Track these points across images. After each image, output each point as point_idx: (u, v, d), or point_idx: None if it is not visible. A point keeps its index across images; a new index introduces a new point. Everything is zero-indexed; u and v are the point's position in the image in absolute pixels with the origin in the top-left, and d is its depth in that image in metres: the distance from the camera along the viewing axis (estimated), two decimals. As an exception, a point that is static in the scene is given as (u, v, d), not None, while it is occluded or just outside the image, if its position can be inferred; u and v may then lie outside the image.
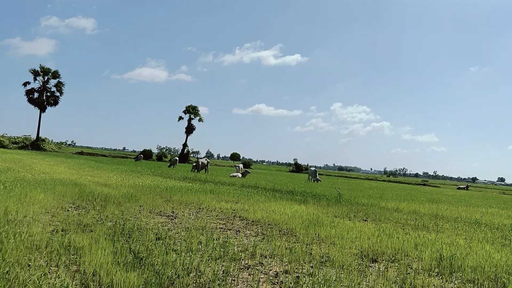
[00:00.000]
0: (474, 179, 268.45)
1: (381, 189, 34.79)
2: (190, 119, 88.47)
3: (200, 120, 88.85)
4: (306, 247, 7.20)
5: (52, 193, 10.93)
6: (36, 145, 73.38)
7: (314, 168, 34.82)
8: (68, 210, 8.97)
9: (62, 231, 6.85)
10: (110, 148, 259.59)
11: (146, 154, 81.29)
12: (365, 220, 11.54)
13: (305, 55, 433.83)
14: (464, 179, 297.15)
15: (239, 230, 8.44)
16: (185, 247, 6.43)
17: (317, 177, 33.98)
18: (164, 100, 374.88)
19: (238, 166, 37.74)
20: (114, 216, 8.53)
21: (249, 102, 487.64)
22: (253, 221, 9.62)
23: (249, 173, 34.70)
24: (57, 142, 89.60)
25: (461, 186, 65.01)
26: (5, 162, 24.96)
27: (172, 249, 6.25)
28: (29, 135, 78.45)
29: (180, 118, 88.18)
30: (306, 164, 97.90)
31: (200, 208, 11.07)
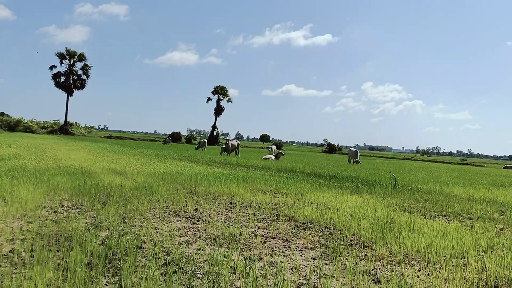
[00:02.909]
0: (511, 157, 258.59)
1: (427, 170, 31.72)
2: (218, 100, 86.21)
3: (229, 101, 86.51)
4: (396, 272, 4.65)
5: (44, 187, 8.67)
6: (64, 129, 72.68)
7: (355, 149, 31.96)
8: (54, 212, 6.66)
9: (22, 252, 4.51)
10: (142, 132, 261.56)
11: (175, 137, 79.71)
12: (444, 216, 8.89)
13: (336, 35, 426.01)
14: (500, 157, 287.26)
15: (288, 240, 5.95)
16: (210, 280, 3.99)
17: (358, 158, 31.15)
18: (195, 83, 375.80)
19: (271, 148, 35.19)
20: (113, 221, 6.15)
21: (278, 84, 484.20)
22: (304, 223, 7.11)
23: (283, 154, 32.17)
24: (87, 126, 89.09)
25: (508, 165, 60.71)
26: (18, 148, 23.15)
27: (188, 286, 3.82)
28: (58, 120, 77.96)
29: (209, 99, 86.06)
30: (337, 144, 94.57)
31: (231, 203, 8.63)
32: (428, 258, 5.26)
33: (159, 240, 5.31)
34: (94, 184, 9.42)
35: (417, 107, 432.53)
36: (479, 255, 5.62)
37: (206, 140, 48.71)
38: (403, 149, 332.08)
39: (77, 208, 7.10)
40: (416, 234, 6.42)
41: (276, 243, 5.75)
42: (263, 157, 30.24)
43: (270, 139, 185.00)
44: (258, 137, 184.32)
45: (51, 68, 72.68)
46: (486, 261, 5.20)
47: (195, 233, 5.89)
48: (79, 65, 74.30)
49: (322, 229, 6.71)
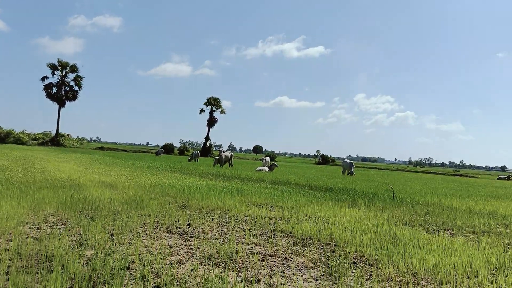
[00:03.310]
0: (503, 168, 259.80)
1: (422, 181, 31.44)
2: (211, 111, 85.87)
3: (222, 112, 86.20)
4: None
5: (29, 201, 8.24)
6: (55, 141, 71.85)
7: (349, 161, 31.62)
8: (38, 228, 6.24)
9: (-2, 276, 4.10)
10: (134, 144, 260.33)
11: (168, 148, 79.10)
12: (447, 230, 8.55)
13: (329, 47, 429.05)
14: (492, 168, 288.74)
15: (287, 258, 5.57)
16: (204, 307, 3.60)
17: (352, 170, 30.82)
18: (188, 95, 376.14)
19: (265, 159, 34.81)
20: (100, 239, 5.74)
21: (271, 95, 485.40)
22: (302, 239, 6.74)
23: (277, 166, 31.79)
24: (79, 138, 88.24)
25: (502, 176, 60.66)
26: (6, 160, 22.61)
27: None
28: (49, 131, 77.13)
29: (202, 110, 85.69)
30: (330, 156, 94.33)
31: (226, 218, 8.24)
32: (440, 279, 4.89)
33: (148, 260, 4.92)
34: (82, 198, 8.99)
35: (409, 118, 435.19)
36: (491, 274, 5.27)
37: (199, 152, 48.26)
38: (395, 160, 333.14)
39: (62, 224, 6.68)
40: (422, 251, 6.07)
41: (275, 261, 5.37)
42: (257, 168, 29.86)
43: (263, 150, 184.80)
44: (251, 148, 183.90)
45: (43, 79, 72.02)
46: (501, 281, 4.85)
47: (187, 251, 5.50)
48: (71, 76, 73.73)
49: (322, 246, 6.34)
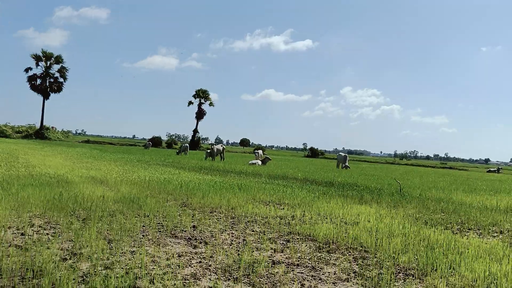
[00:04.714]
0: (486, 160, 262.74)
1: (417, 174, 30.96)
2: (200, 104, 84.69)
3: (211, 104, 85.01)
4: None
5: (12, 201, 7.34)
6: (40, 134, 70.16)
7: (344, 154, 30.94)
8: (22, 234, 5.37)
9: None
10: (120, 137, 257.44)
11: (155, 142, 77.84)
12: (470, 230, 7.88)
13: (316, 40, 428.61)
14: (476, 160, 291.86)
15: (314, 268, 4.80)
16: None
17: (347, 163, 30.17)
18: (175, 87, 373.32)
19: (258, 153, 33.97)
20: (96, 247, 4.90)
21: (258, 88, 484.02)
22: (325, 243, 5.97)
23: (270, 159, 30.99)
24: (64, 131, 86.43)
25: (492, 169, 60.75)
26: (-11, 153, 21.49)
27: None
28: (34, 124, 75.38)
29: (190, 103, 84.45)
30: (316, 149, 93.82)
31: (234, 218, 7.44)
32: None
33: (157, 274, 4.11)
34: (72, 197, 8.11)
35: (395, 111, 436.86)
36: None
37: (188, 145, 47.29)
38: (381, 153, 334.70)
39: (50, 228, 5.82)
40: (466, 257, 5.34)
41: (303, 272, 4.60)
42: (250, 162, 29.07)
43: (250, 143, 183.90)
44: (238, 141, 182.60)
45: (27, 70, 70.08)
46: None
47: (200, 262, 4.70)
48: (56, 67, 71.86)
49: (350, 252, 5.58)
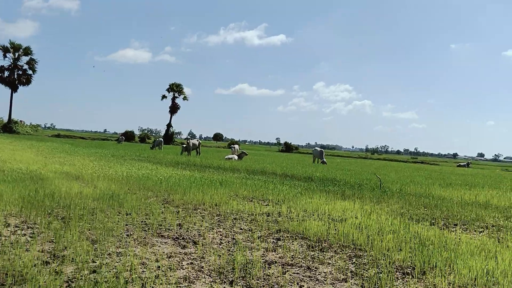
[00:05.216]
0: (454, 155, 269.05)
1: (392, 169, 31.26)
2: (174, 98, 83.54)
3: (185, 98, 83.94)
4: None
5: (-15, 198, 6.93)
6: (8, 128, 67.93)
7: (320, 149, 30.97)
8: (-2, 235, 5.03)
9: None
10: (91, 131, 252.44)
11: (128, 136, 76.50)
12: (457, 226, 7.88)
13: (290, 36, 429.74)
14: (445, 155, 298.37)
15: (309, 267, 4.64)
16: None
17: (324, 158, 30.22)
18: (147, 81, 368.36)
19: (234, 147, 33.73)
20: (80, 248, 4.61)
21: (232, 83, 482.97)
22: (316, 241, 5.82)
23: (246, 154, 30.78)
24: (33, 125, 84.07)
25: (461, 164, 62.13)
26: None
27: None
28: (1, 118, 72.98)
29: (164, 96, 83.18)
30: (290, 143, 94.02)
31: (219, 215, 7.23)
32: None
33: (148, 278, 3.86)
34: (48, 194, 7.72)
35: (366, 106, 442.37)
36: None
37: (162, 139, 46.57)
38: (353, 147, 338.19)
39: (28, 227, 5.48)
40: (461, 255, 5.27)
41: (298, 273, 4.43)
42: (226, 157, 28.79)
43: (223, 138, 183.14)
44: (211, 136, 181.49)
45: (-7, 62, 67.72)
46: None
47: (191, 263, 4.47)
48: (24, 59, 69.62)
49: (342, 250, 5.45)
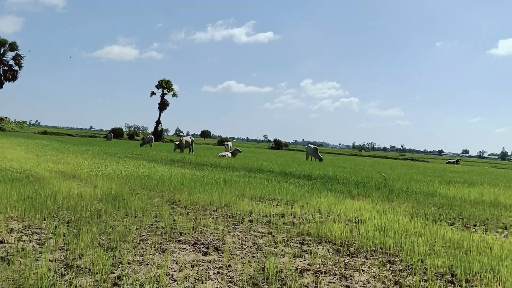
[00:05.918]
0: (440, 152, 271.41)
1: (388, 167, 31.13)
2: (163, 94, 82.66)
3: (174, 95, 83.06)
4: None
5: (-18, 200, 6.46)
6: (-7, 124, 66.68)
7: (313, 146, 30.67)
8: (1, 242, 4.59)
9: None
10: (77, 128, 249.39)
11: (117, 133, 75.51)
12: (476, 226, 7.61)
13: (278, 33, 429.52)
14: (431, 151, 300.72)
15: (344, 276, 4.29)
16: None
17: (320, 155, 29.90)
18: (134, 78, 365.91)
19: (227, 145, 33.30)
20: (95, 257, 4.19)
21: (219, 80, 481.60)
22: (342, 244, 5.48)
23: (240, 152, 30.37)
24: (18, 122, 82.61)
25: (451, 161, 62.41)
26: None
27: None
28: (-14, 115, 71.52)
29: (153, 93, 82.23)
30: (280, 140, 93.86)
31: (232, 217, 6.85)
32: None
33: (178, 292, 3.48)
34: (50, 195, 7.27)
35: (353, 104, 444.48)
36: None
37: (152, 137, 46.02)
38: (339, 144, 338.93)
39: (33, 233, 5.04)
40: (494, 258, 4.96)
41: (334, 282, 4.08)
42: (220, 154, 28.39)
43: (211, 135, 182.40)
44: (199, 133, 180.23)
45: (-22, 57, 66.26)
46: None
47: (219, 273, 4.09)
48: (10, 54, 68.25)
49: (372, 255, 5.11)
